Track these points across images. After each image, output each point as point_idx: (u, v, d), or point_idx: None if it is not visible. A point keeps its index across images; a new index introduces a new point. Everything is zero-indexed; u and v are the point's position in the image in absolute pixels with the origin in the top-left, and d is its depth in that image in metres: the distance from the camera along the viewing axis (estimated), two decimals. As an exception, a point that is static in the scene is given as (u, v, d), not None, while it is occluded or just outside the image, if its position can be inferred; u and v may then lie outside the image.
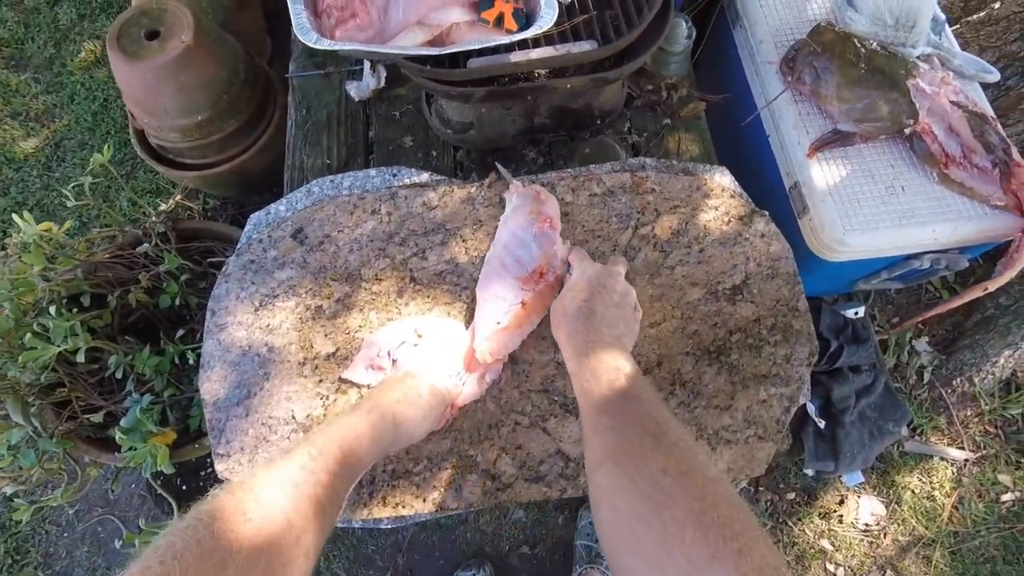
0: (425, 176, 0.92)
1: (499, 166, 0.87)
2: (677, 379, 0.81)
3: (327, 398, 0.80)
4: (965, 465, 1.64)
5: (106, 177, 1.73)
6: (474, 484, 0.77)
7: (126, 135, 1.81)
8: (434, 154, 1.08)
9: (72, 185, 1.06)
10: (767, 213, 0.89)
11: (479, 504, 0.77)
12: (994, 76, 1.03)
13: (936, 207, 0.97)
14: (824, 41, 1.00)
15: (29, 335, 0.97)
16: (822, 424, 1.18)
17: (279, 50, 1.62)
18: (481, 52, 0.85)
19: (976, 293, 0.98)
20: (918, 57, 1.03)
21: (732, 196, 0.89)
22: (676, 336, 0.83)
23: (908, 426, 1.66)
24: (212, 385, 0.80)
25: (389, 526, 0.80)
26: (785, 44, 1.08)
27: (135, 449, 0.99)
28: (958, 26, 1.65)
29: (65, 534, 1.67)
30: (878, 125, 0.98)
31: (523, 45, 0.85)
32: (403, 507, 0.77)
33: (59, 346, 0.98)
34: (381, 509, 0.77)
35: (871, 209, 0.97)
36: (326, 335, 0.83)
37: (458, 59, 0.85)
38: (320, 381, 0.81)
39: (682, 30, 1.05)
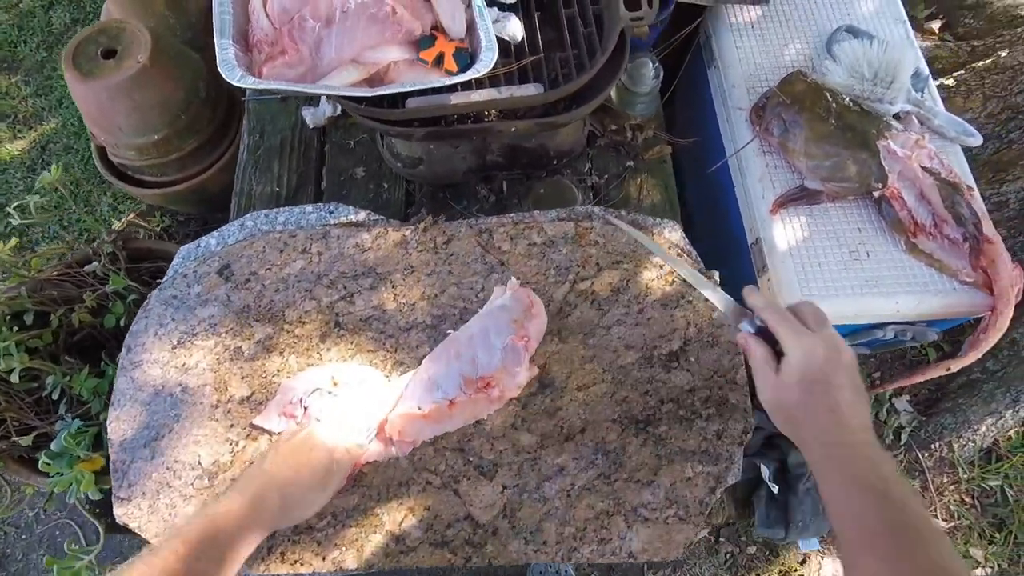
0: (362, 215, 0.89)
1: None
2: (600, 447, 0.77)
3: (236, 444, 0.78)
4: (941, 532, 1.56)
5: (70, 189, 1.72)
6: (377, 545, 0.74)
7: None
8: (385, 186, 1.05)
9: (15, 205, 1.04)
10: (715, 276, 0.84)
11: (380, 566, 0.74)
12: (976, 140, 0.97)
13: (901, 277, 0.91)
14: (795, 92, 0.96)
15: (-38, 352, 0.95)
16: (775, 489, 1.12)
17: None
18: (424, 91, 0.82)
19: (938, 372, 0.92)
20: (896, 115, 0.98)
21: (680, 254, 0.85)
22: (604, 401, 0.79)
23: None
24: (120, 424, 0.78)
25: (290, 583, 0.76)
26: (758, 90, 1.03)
27: (61, 474, 0.97)
28: (963, 71, 1.58)
29: (23, 536, 1.67)
30: (845, 185, 0.93)
31: (466, 86, 0.81)
32: (301, 564, 0.74)
33: (-8, 365, 0.96)
34: (279, 565, 0.74)
35: (833, 274, 0.92)
36: (242, 378, 0.80)
37: (397, 98, 0.82)
38: (231, 426, 0.78)
39: (648, 71, 1.01)
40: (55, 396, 1.04)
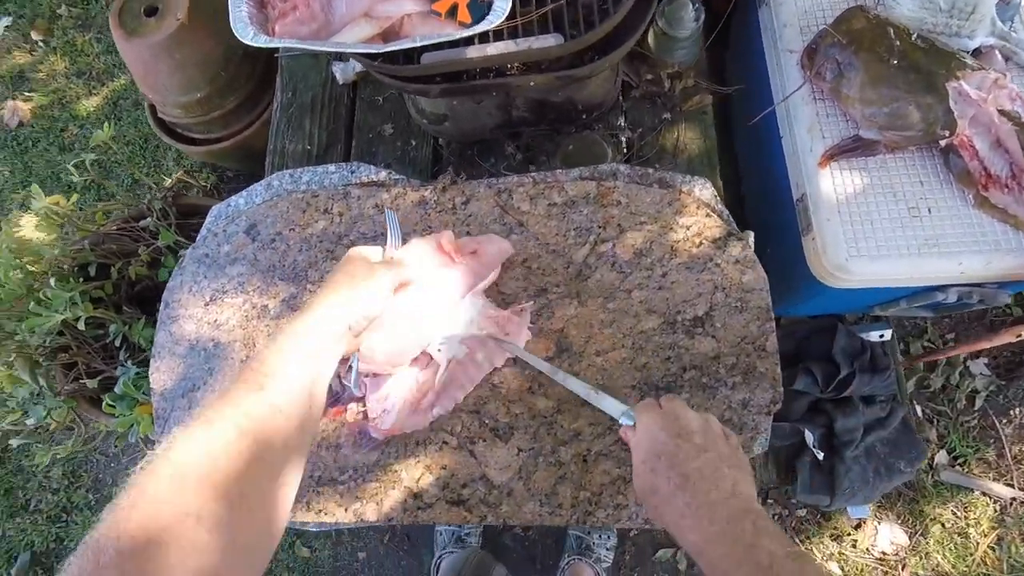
0: (383, 174, 0.88)
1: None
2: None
3: (266, 398, 0.81)
4: (1011, 504, 1.46)
5: (126, 146, 1.80)
6: (395, 500, 0.77)
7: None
8: (413, 143, 1.04)
9: (73, 162, 1.11)
10: (747, 236, 0.79)
11: (399, 520, 0.77)
12: (1073, 75, 0.84)
13: (968, 235, 0.82)
14: (852, 30, 0.85)
15: (33, 303, 1.04)
16: (820, 456, 1.08)
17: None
18: (438, 46, 0.79)
19: (1007, 338, 0.84)
20: (975, 50, 0.86)
21: (709, 214, 0.80)
22: (623, 367, 0.77)
23: (950, 455, 1.49)
24: (160, 375, 0.83)
25: (315, 529, 0.81)
26: (813, 30, 0.93)
27: (124, 415, 1.06)
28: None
29: (111, 464, 1.86)
30: (907, 134, 0.83)
31: (483, 38, 0.78)
32: (325, 514, 0.77)
33: (60, 314, 1.05)
34: (304, 514, 0.78)
35: (886, 233, 0.84)
36: (268, 335, 0.83)
37: (414, 53, 0.80)
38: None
39: (688, 13, 0.92)
40: (117, 343, 1.12)
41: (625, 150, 0.98)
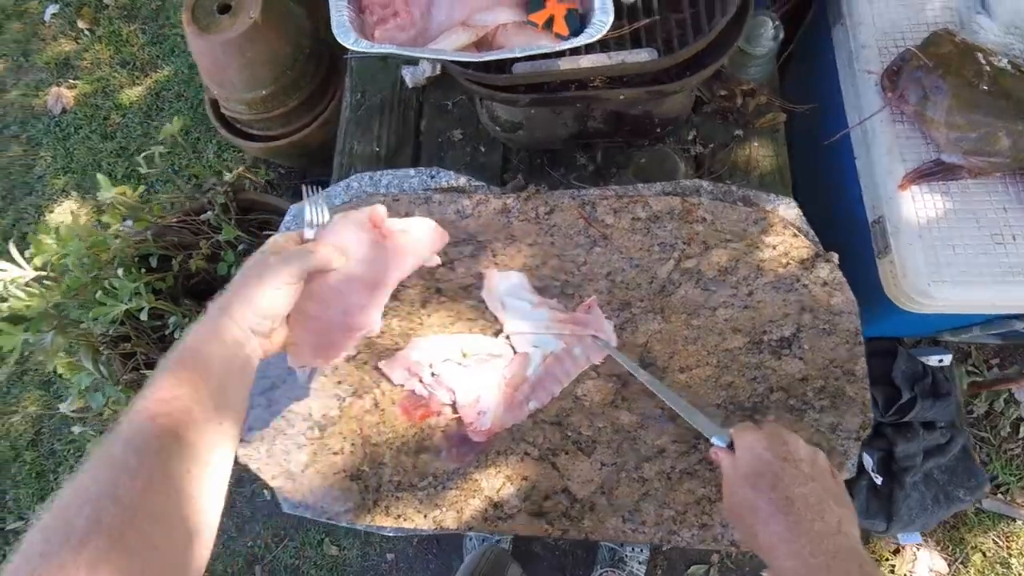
0: (463, 180, 0.88)
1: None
2: (701, 433, 0.75)
3: (343, 399, 0.81)
4: (1054, 534, 1.46)
5: (184, 138, 1.81)
6: (476, 509, 0.76)
7: (214, 92, 1.90)
8: (482, 150, 1.04)
9: (143, 155, 1.11)
10: (834, 259, 0.79)
11: (478, 529, 0.77)
12: None
13: (1052, 264, 0.82)
14: (939, 54, 0.85)
15: (100, 292, 1.05)
16: (879, 480, 1.07)
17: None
18: (532, 57, 0.79)
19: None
20: (1062, 78, 0.86)
21: (795, 235, 0.80)
22: (708, 385, 0.77)
23: (992, 482, 1.49)
24: (238, 375, 0.83)
25: (391, 534, 0.81)
26: (892, 52, 0.93)
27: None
28: None
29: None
30: (994, 160, 0.83)
31: (574, 51, 0.78)
32: (404, 519, 0.77)
33: (125, 304, 1.05)
34: (383, 518, 0.78)
35: (969, 259, 0.84)
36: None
37: (504, 62, 0.80)
38: (339, 382, 0.82)
39: (767, 30, 0.92)
40: (176, 335, 1.13)
41: (695, 166, 0.98)
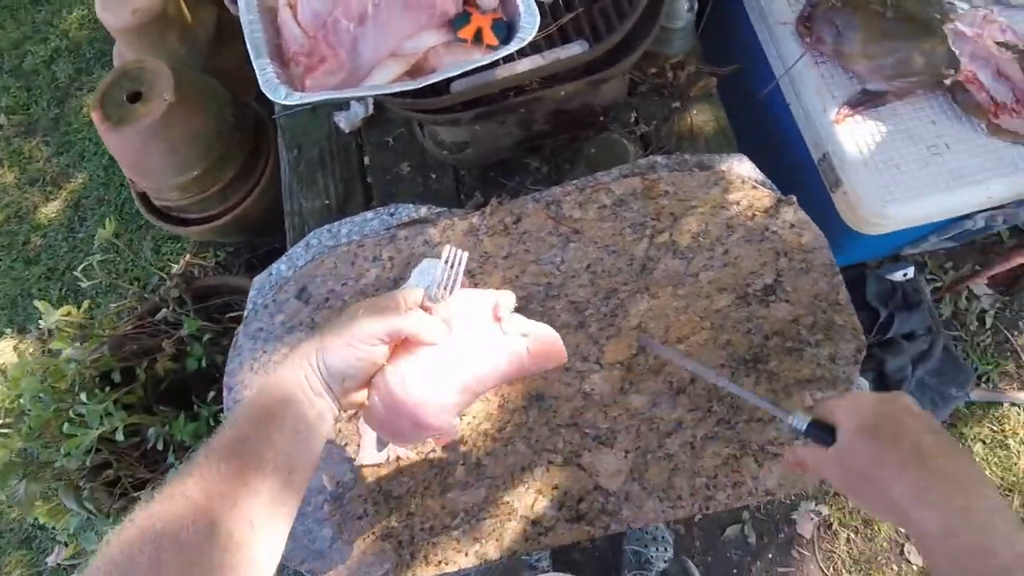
0: (424, 210, 0.87)
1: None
2: (713, 395, 0.76)
3: (353, 461, 0.78)
4: (1040, 408, 1.53)
5: (118, 240, 1.74)
6: (515, 532, 0.74)
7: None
8: (433, 177, 1.03)
9: (81, 268, 1.06)
10: (795, 199, 0.81)
11: (522, 551, 0.74)
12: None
13: (988, 162, 0.87)
14: (841, -7, 0.90)
15: (66, 424, 0.98)
16: (878, 401, 1.10)
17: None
18: (467, 73, 0.79)
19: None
20: (953, -8, 0.92)
21: (754, 186, 0.82)
22: (708, 348, 0.77)
23: (977, 382, 1.55)
24: (239, 460, 0.79)
25: (436, 581, 0.78)
26: (800, 0, 0.98)
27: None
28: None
29: None
30: (914, 80, 0.88)
31: (508, 58, 0.78)
32: (446, 564, 0.75)
33: (96, 429, 0.99)
34: (424, 568, 0.75)
35: (913, 175, 0.88)
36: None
37: (441, 84, 0.80)
38: (346, 445, 0.79)
39: (682, 3, 0.96)
40: (159, 446, 1.07)
41: (644, 145, 1.00)
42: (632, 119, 1.02)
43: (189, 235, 1.26)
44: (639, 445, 0.75)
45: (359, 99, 1.01)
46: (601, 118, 0.97)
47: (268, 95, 0.71)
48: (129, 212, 1.88)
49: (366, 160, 1.07)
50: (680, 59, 1.00)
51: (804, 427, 0.53)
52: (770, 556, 1.54)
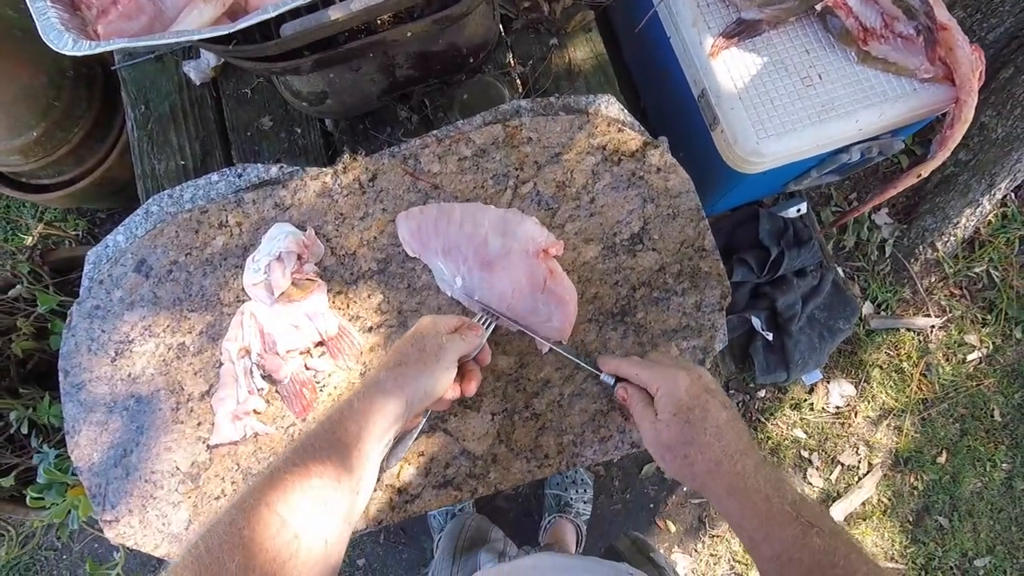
0: (274, 170, 0.80)
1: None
2: (581, 350, 0.74)
3: (208, 439, 0.74)
4: (932, 331, 1.60)
5: None
6: (381, 502, 0.73)
7: None
8: (298, 131, 0.95)
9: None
10: (662, 142, 0.78)
11: (389, 520, 0.73)
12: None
13: (858, 92, 0.85)
14: (712, -87, 0.84)
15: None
16: (770, 337, 1.12)
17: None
18: (296, 13, 0.71)
19: (910, 181, 0.88)
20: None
21: (621, 128, 0.78)
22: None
23: (874, 304, 1.61)
24: (82, 451, 0.74)
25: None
26: (672, -77, 0.91)
27: (55, 504, 0.95)
28: None
29: (64, 556, 1.70)
30: (785, 6, 0.84)
31: (340, -5, 0.70)
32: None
33: (-54, 417, 0.91)
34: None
35: (787, 108, 0.85)
36: (195, 373, 0.75)
37: (268, 27, 0.71)
38: (199, 424, 0.74)
39: (547, -72, 0.88)
40: (24, 430, 1.00)
41: (521, 87, 0.94)
42: (508, 60, 0.95)
43: (46, 203, 1.14)
44: (506, 407, 0.73)
45: (165, 48, 0.91)
46: (471, 60, 0.90)
47: (50, 43, 0.61)
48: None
49: (225, 115, 0.97)
50: (553, -9, 0.93)
51: (613, 382, 0.66)
52: (684, 488, 1.60)
